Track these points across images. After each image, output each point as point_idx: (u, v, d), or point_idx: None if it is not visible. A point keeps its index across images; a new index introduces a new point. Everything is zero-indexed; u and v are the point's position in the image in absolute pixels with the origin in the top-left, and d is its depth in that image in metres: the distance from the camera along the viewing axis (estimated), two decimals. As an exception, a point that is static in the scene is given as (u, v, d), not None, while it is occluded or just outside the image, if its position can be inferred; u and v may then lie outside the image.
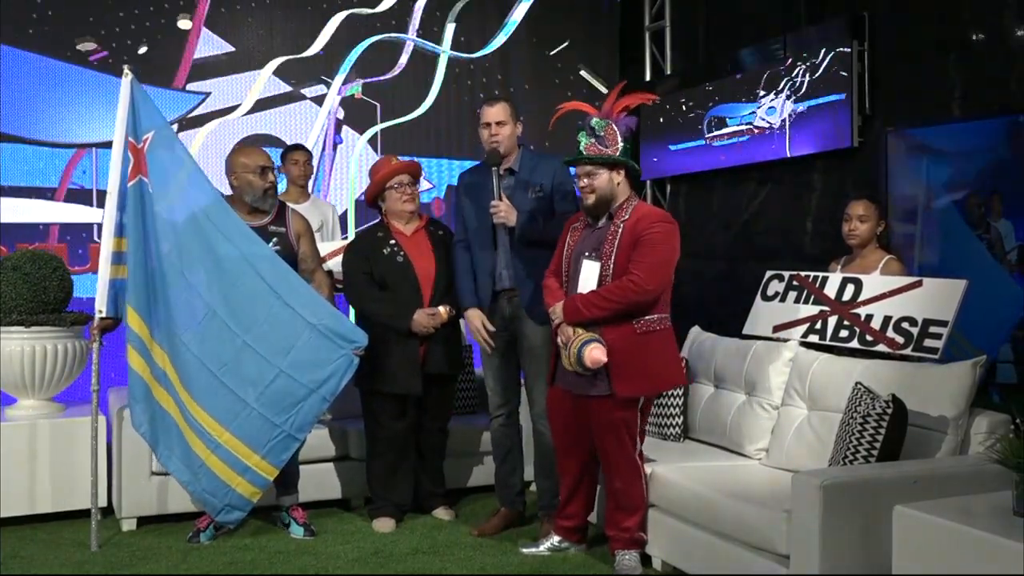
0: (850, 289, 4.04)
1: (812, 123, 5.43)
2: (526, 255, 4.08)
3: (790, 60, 5.59)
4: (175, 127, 5.98)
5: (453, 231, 4.39)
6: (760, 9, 6.09)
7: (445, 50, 6.82)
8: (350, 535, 4.22)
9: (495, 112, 4.14)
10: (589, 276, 3.67)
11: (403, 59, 6.76)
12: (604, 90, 3.50)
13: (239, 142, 6.08)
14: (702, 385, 4.43)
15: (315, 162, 5.96)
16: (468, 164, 4.55)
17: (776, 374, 4.03)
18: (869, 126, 5.17)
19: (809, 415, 3.84)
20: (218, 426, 3.91)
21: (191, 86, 6.19)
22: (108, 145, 4.12)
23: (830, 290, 4.12)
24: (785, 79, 5.62)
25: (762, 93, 5.78)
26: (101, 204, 5.43)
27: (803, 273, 4.31)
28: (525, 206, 4.10)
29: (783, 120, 5.63)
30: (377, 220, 4.51)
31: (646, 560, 3.78)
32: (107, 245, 3.99)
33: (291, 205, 4.55)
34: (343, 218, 6.20)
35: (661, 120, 6.65)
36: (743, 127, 5.95)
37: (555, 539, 3.95)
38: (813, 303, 4.16)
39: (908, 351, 3.71)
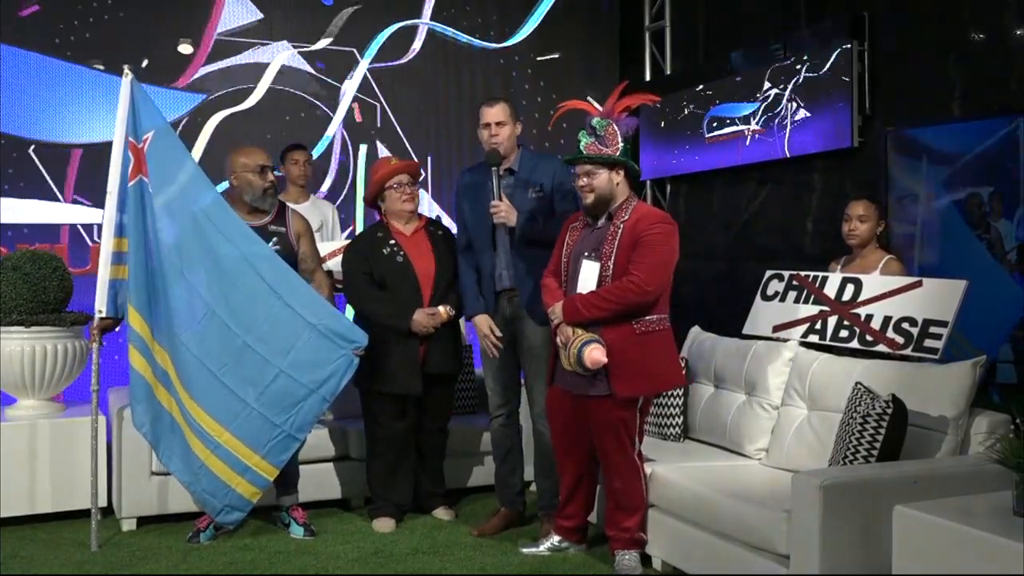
0: (850, 289, 4.04)
1: (812, 123, 5.43)
2: (526, 255, 4.08)
3: (790, 60, 5.59)
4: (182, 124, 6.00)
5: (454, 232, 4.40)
6: (760, 9, 6.09)
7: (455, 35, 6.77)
8: (350, 535, 4.22)
9: (495, 112, 4.14)
10: (588, 276, 3.67)
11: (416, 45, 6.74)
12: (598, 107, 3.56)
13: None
14: (702, 385, 4.44)
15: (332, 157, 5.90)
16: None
17: (776, 374, 4.03)
18: (869, 126, 5.17)
19: (809, 415, 3.84)
20: (218, 426, 3.91)
21: (205, 70, 6.15)
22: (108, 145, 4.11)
23: (830, 290, 4.12)
24: (785, 79, 5.61)
25: (762, 93, 5.78)
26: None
27: (803, 273, 4.31)
28: (525, 206, 4.10)
29: (783, 120, 5.63)
30: (377, 220, 4.51)
31: (646, 560, 3.78)
32: (107, 245, 4.00)
33: (291, 205, 4.56)
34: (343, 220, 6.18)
35: (661, 120, 6.64)
36: (743, 127, 5.94)
37: (555, 539, 3.95)
38: (813, 303, 4.16)
39: (908, 351, 3.71)
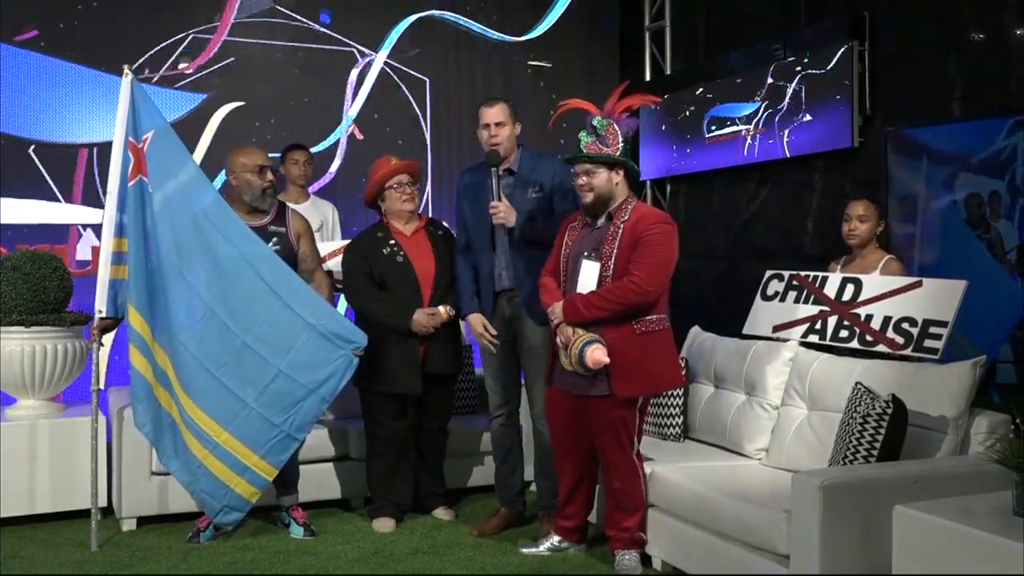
0: (850, 289, 4.04)
1: (812, 123, 5.43)
2: (526, 255, 4.08)
3: (790, 60, 5.59)
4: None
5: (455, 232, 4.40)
6: (760, 9, 6.09)
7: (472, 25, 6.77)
8: (350, 535, 4.22)
9: (494, 113, 4.14)
10: (589, 276, 3.67)
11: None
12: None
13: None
14: (702, 385, 4.43)
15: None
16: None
17: (776, 374, 4.03)
18: (869, 126, 5.16)
19: (809, 415, 3.84)
20: (217, 426, 3.91)
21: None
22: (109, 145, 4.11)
23: (830, 290, 4.12)
24: (785, 79, 5.61)
25: (762, 93, 5.78)
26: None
27: (803, 273, 4.31)
28: (524, 206, 4.10)
29: (783, 120, 5.63)
30: (377, 220, 4.51)
31: (646, 560, 3.78)
32: (107, 245, 4.00)
33: (291, 205, 4.56)
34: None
35: (661, 120, 6.64)
36: (743, 127, 5.94)
37: (555, 539, 3.95)
38: (813, 303, 4.16)
39: (908, 351, 3.71)
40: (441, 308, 4.28)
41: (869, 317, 3.90)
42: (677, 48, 6.87)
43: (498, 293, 4.16)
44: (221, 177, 4.33)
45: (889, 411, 3.26)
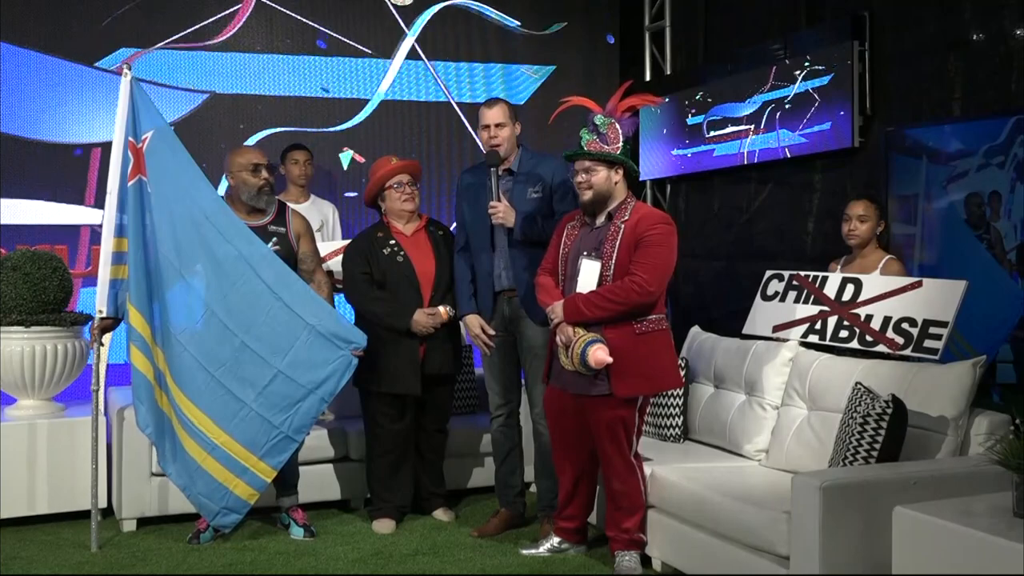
0: (850, 289, 4.04)
1: (812, 123, 5.42)
2: (525, 255, 4.08)
3: (790, 60, 5.59)
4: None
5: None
6: (760, 10, 6.09)
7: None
8: (350, 536, 4.22)
9: (494, 114, 4.14)
10: (589, 276, 3.67)
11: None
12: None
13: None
14: (702, 385, 4.43)
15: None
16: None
17: (776, 374, 4.03)
18: (869, 126, 5.16)
19: (809, 415, 3.84)
20: (215, 427, 3.91)
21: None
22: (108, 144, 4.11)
23: (830, 290, 4.12)
24: (785, 79, 5.61)
25: (762, 93, 5.77)
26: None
27: (803, 273, 4.31)
28: (524, 206, 4.10)
29: (783, 120, 5.63)
30: (377, 220, 4.51)
31: (646, 561, 3.78)
32: (107, 245, 4.00)
33: (291, 205, 4.56)
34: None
35: (661, 120, 6.64)
36: (743, 127, 5.94)
37: (555, 540, 3.94)
38: (813, 303, 4.16)
39: (908, 352, 3.70)
40: (441, 308, 4.28)
41: (869, 317, 3.90)
42: (677, 48, 6.87)
43: (498, 293, 4.16)
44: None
45: (889, 411, 3.26)
